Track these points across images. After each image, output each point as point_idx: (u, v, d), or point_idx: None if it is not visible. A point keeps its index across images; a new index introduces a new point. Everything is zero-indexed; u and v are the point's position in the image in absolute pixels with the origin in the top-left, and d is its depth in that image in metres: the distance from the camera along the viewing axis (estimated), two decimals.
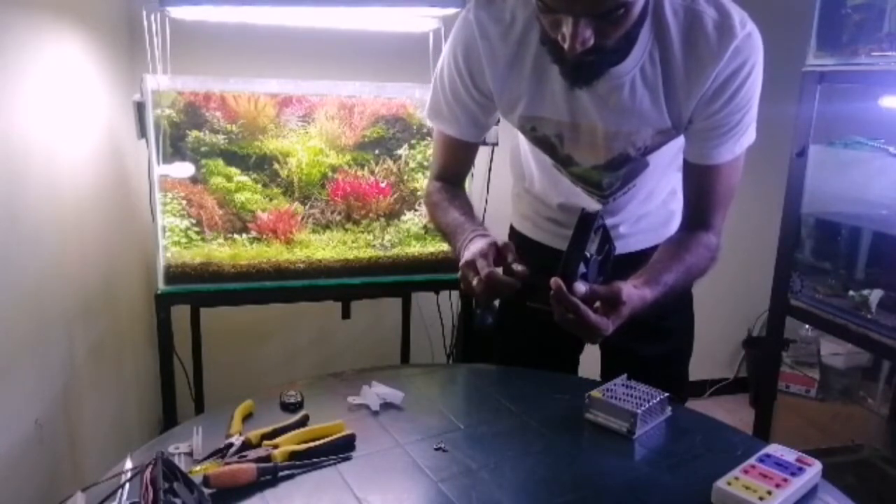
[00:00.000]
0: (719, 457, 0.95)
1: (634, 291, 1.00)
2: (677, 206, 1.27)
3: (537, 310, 0.95)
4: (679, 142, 1.15)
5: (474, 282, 0.98)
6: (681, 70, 1.04)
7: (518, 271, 0.97)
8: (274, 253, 1.76)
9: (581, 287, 0.94)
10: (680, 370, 1.43)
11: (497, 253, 1.00)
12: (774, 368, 2.14)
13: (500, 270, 0.99)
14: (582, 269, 0.96)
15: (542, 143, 1.19)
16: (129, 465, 0.87)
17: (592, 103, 1.09)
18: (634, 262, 1.16)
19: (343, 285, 1.81)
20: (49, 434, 1.30)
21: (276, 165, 1.77)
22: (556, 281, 0.92)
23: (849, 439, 2.31)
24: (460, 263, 1.02)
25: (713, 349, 2.90)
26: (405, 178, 1.87)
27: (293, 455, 0.90)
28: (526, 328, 1.31)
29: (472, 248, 1.02)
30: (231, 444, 0.92)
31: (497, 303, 1.52)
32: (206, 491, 0.81)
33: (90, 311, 1.58)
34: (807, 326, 2.44)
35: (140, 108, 1.61)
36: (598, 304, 0.96)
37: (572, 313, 0.93)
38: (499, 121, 1.26)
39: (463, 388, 1.25)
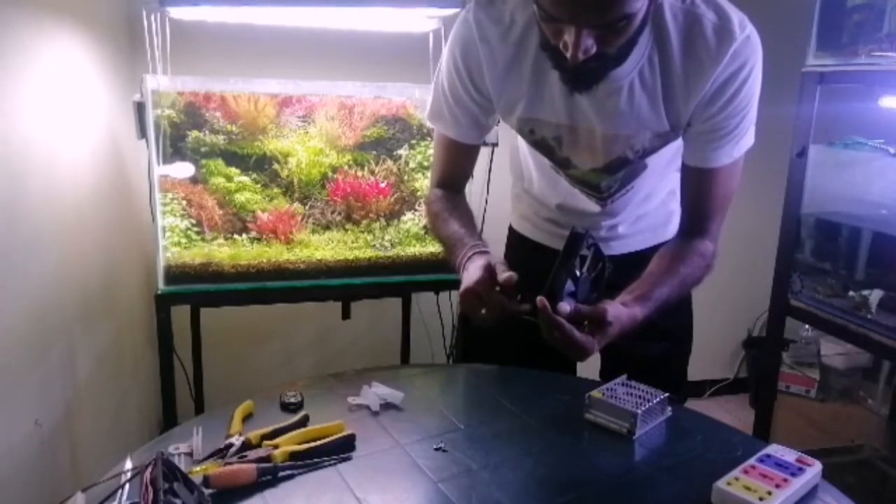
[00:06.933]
0: (719, 457, 0.95)
1: (623, 310, 1.01)
2: (676, 206, 1.27)
3: (530, 322, 0.96)
4: (678, 143, 1.15)
5: (482, 312, 1.00)
6: (680, 73, 1.04)
7: (504, 279, 0.98)
8: (274, 253, 1.76)
9: (566, 307, 0.96)
10: (679, 370, 1.43)
11: (493, 274, 1.01)
12: (774, 368, 2.14)
13: (505, 299, 1.00)
14: (570, 287, 0.97)
15: (541, 145, 1.19)
16: (129, 465, 0.87)
17: (591, 106, 1.08)
18: (634, 262, 1.17)
19: (343, 285, 1.81)
20: (49, 434, 1.30)
21: (276, 166, 1.77)
22: (541, 300, 0.94)
23: (849, 439, 2.31)
24: (461, 290, 1.03)
25: (713, 349, 2.90)
26: (405, 178, 1.87)
27: (293, 455, 0.90)
28: (525, 328, 1.31)
29: (471, 272, 1.03)
30: (231, 445, 0.92)
31: None
32: (206, 491, 0.81)
33: (90, 311, 1.58)
34: (807, 326, 2.44)
35: (140, 108, 1.60)
36: (586, 322, 0.98)
37: (557, 332, 0.94)
38: (499, 121, 1.26)
39: (463, 388, 1.25)
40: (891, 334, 1.71)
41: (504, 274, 0.99)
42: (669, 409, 1.08)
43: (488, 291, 1.00)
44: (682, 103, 1.06)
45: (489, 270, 1.01)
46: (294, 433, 0.95)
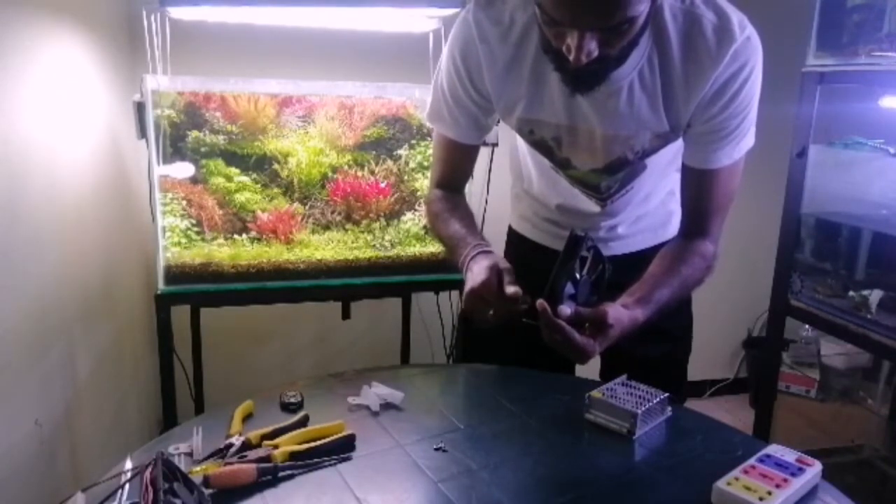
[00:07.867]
0: (719, 457, 0.95)
1: (625, 312, 1.01)
2: (676, 206, 1.27)
3: (531, 326, 0.96)
4: (678, 144, 1.15)
5: (490, 313, 1.00)
6: (679, 74, 1.04)
7: (511, 293, 0.98)
8: (274, 253, 1.76)
9: (566, 310, 0.96)
10: (679, 370, 1.43)
11: (499, 277, 1.01)
12: (774, 369, 2.14)
13: (511, 292, 1.00)
14: (570, 289, 0.98)
15: (540, 145, 1.19)
16: (129, 465, 0.87)
17: (590, 107, 1.08)
18: (634, 262, 1.16)
19: (343, 285, 1.82)
20: (49, 434, 1.30)
21: (276, 166, 1.77)
22: (541, 303, 0.94)
23: (849, 439, 2.31)
24: (465, 290, 1.03)
25: (713, 349, 2.90)
26: (405, 178, 1.87)
27: (293, 455, 0.91)
28: (525, 329, 1.31)
29: (476, 273, 1.03)
30: (231, 445, 0.92)
31: None
32: (206, 491, 0.81)
33: (90, 311, 1.58)
34: (807, 327, 2.44)
35: (140, 108, 1.61)
36: (587, 324, 0.98)
37: (558, 335, 0.95)
38: (499, 121, 1.26)
39: (463, 388, 1.25)
40: (891, 334, 1.71)
41: (511, 289, 0.99)
42: (669, 409, 1.08)
43: (492, 294, 1.00)
44: (682, 104, 1.06)
45: (495, 273, 1.01)
46: (294, 433, 0.95)
